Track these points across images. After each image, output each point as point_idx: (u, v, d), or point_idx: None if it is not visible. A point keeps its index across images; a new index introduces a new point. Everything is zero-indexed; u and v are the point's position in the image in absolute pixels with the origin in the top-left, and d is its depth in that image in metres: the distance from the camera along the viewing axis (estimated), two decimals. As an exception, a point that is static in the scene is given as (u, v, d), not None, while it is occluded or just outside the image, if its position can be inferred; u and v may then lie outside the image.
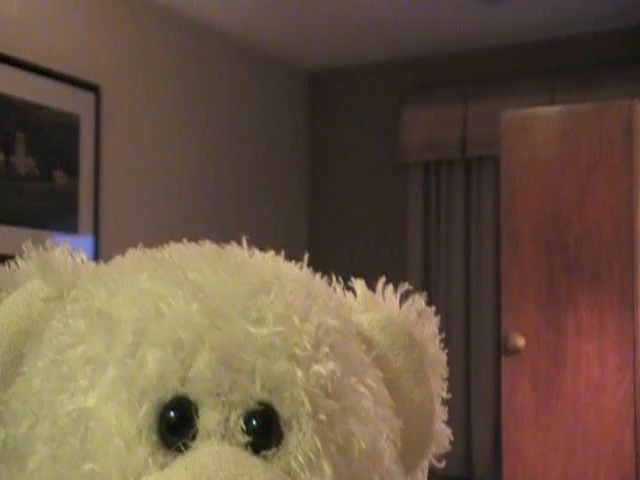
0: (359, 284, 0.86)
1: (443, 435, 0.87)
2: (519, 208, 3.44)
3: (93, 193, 3.48)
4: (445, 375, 0.88)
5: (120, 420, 0.67)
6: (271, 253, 0.82)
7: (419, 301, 0.87)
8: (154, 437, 0.67)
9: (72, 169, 3.40)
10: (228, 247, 0.80)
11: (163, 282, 0.73)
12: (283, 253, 0.83)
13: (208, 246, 0.80)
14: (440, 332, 0.89)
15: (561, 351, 3.35)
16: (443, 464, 0.87)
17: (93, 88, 3.49)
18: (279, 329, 0.70)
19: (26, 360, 0.75)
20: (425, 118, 4.34)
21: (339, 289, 0.84)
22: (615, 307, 3.28)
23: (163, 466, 0.66)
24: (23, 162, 3.20)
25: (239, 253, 0.79)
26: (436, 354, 0.87)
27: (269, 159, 4.51)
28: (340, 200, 4.66)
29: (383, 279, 0.86)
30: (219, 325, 0.69)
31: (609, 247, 3.30)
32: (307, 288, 0.77)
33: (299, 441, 0.68)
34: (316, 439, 0.68)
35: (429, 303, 0.88)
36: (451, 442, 0.88)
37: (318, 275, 0.82)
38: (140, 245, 0.81)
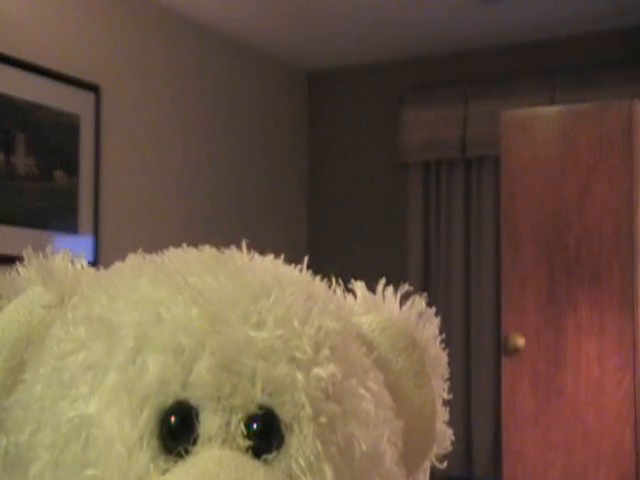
0: (359, 286, 0.86)
1: (445, 436, 0.87)
2: (519, 208, 3.44)
3: (93, 193, 3.48)
4: (446, 376, 0.88)
5: (121, 426, 0.67)
6: (271, 256, 0.82)
7: (419, 302, 0.86)
8: (155, 442, 0.67)
9: (72, 169, 3.40)
10: (228, 251, 0.80)
11: (163, 287, 0.73)
12: (283, 254, 0.83)
13: (208, 251, 0.80)
14: (440, 332, 0.89)
15: (561, 351, 3.35)
16: (445, 465, 0.87)
17: (93, 88, 3.49)
18: (279, 332, 0.70)
19: (27, 367, 0.75)
20: (425, 118, 4.34)
21: (339, 291, 0.84)
22: (615, 307, 3.28)
23: (164, 471, 0.66)
24: (23, 162, 3.20)
25: (239, 257, 0.79)
26: (437, 355, 0.87)
27: (269, 159, 4.51)
28: (340, 200, 4.66)
29: (383, 280, 0.86)
30: (219, 329, 0.70)
31: (609, 247, 3.30)
32: (307, 291, 0.77)
33: (300, 444, 0.68)
34: (317, 442, 0.68)
35: (429, 303, 0.87)
36: (451, 442, 0.88)
37: (318, 277, 0.82)
38: (140, 250, 0.81)
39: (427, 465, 0.87)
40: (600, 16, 3.91)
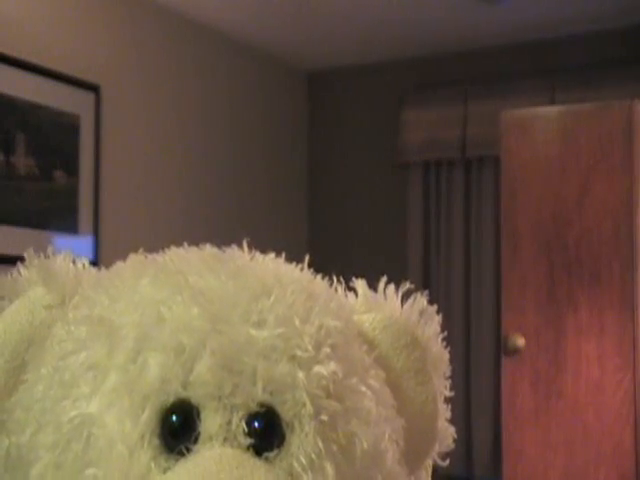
0: (360, 284, 0.86)
1: (446, 433, 0.87)
2: (519, 208, 3.44)
3: (93, 193, 3.48)
4: (448, 374, 0.88)
5: (122, 425, 0.67)
6: (271, 255, 0.82)
7: (421, 300, 0.87)
8: (156, 441, 0.67)
9: (72, 169, 3.39)
10: (228, 250, 0.81)
11: (164, 287, 0.73)
12: (284, 254, 0.83)
13: (208, 250, 0.80)
14: (441, 331, 0.89)
15: (561, 351, 3.35)
16: (447, 462, 0.87)
17: (93, 88, 3.49)
18: (280, 331, 0.70)
19: (29, 368, 0.75)
20: (425, 118, 4.34)
21: (340, 290, 0.84)
22: (615, 307, 3.28)
23: (166, 470, 0.66)
24: (23, 162, 3.20)
25: (239, 256, 0.80)
26: (438, 353, 0.87)
27: (269, 159, 4.51)
28: (340, 200, 4.66)
29: (384, 279, 0.86)
30: (220, 329, 0.70)
31: (609, 247, 3.30)
32: (308, 290, 0.77)
33: (301, 442, 0.68)
34: (318, 440, 0.68)
35: (429, 303, 0.87)
36: (452, 441, 0.88)
37: (319, 276, 0.82)
38: (141, 250, 0.81)
39: (429, 463, 0.87)
40: (600, 16, 3.91)
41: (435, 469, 0.88)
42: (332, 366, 0.71)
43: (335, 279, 0.84)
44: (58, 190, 3.34)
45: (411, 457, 0.81)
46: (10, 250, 2.99)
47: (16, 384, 0.75)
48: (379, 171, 4.56)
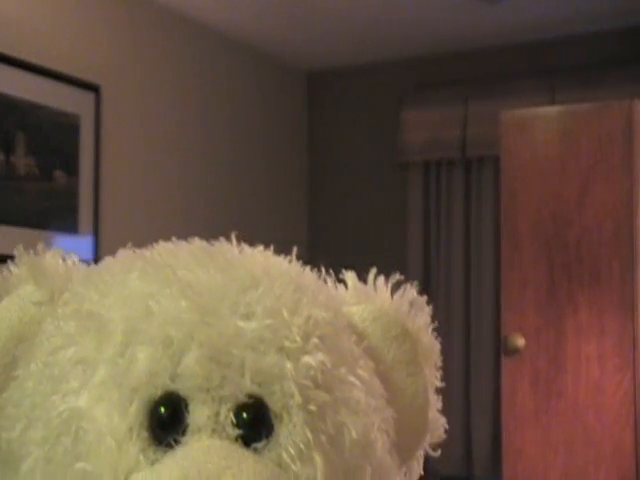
0: (350, 276, 0.86)
1: (438, 424, 0.87)
2: (519, 208, 3.44)
3: (93, 193, 3.48)
4: (439, 364, 0.88)
5: (111, 419, 0.68)
6: (260, 248, 0.82)
7: (411, 291, 0.86)
8: (145, 434, 0.67)
9: (72, 169, 3.39)
10: (217, 244, 0.81)
11: (152, 281, 0.73)
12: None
13: (197, 243, 0.80)
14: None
15: (561, 351, 3.35)
16: (439, 453, 0.87)
17: (93, 88, 3.49)
18: (268, 322, 0.71)
19: (19, 364, 0.75)
20: (425, 118, 4.34)
21: (330, 282, 0.84)
22: (615, 307, 3.28)
23: (154, 462, 0.67)
24: (23, 162, 3.20)
25: (228, 250, 0.80)
26: (429, 343, 0.87)
27: (269, 159, 4.51)
28: (340, 200, 4.66)
29: (374, 270, 0.86)
30: (208, 321, 0.70)
31: (609, 247, 3.30)
32: (296, 281, 0.77)
33: (290, 433, 0.68)
34: (307, 430, 0.68)
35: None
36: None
37: (307, 268, 0.83)
38: (129, 244, 0.82)
39: (421, 454, 0.87)
40: (600, 16, 3.91)
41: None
42: (320, 357, 0.71)
43: (324, 271, 0.84)
44: (58, 190, 3.34)
45: (402, 448, 0.81)
46: (10, 250, 2.98)
47: (7, 380, 0.75)
48: (379, 171, 4.56)
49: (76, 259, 0.83)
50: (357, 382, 0.74)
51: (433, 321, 0.88)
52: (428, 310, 0.87)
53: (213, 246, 0.80)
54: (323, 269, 0.84)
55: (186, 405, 0.68)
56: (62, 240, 3.28)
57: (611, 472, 3.27)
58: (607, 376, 3.28)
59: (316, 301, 0.76)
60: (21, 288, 0.79)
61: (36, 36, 3.30)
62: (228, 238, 0.82)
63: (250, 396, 0.69)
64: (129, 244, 0.82)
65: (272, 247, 0.83)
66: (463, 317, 4.20)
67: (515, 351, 3.39)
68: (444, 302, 4.18)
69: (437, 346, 0.88)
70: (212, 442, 0.67)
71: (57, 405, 0.70)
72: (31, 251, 0.81)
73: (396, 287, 0.86)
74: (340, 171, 4.68)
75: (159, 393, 0.68)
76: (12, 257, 0.83)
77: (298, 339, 0.71)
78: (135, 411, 0.67)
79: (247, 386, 0.68)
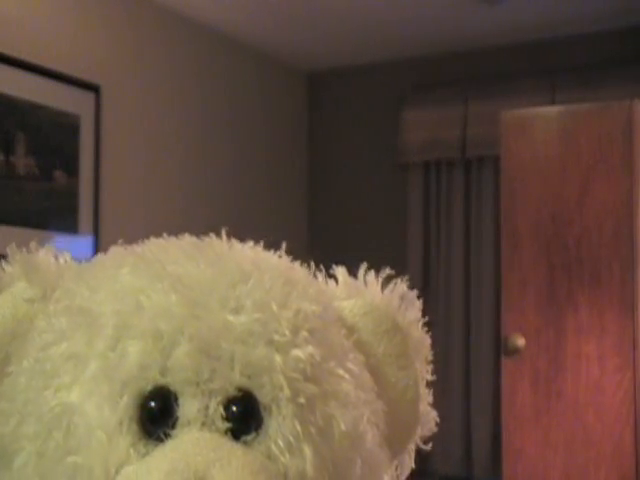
0: (340, 272, 0.86)
1: (429, 417, 0.88)
2: (519, 208, 3.44)
3: (93, 193, 3.48)
4: (430, 358, 0.88)
5: (101, 412, 0.68)
6: (250, 243, 0.83)
7: (401, 286, 0.87)
8: (135, 427, 0.68)
9: (72, 169, 3.39)
10: (207, 239, 0.82)
11: (143, 276, 0.74)
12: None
13: (187, 239, 0.81)
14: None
15: (561, 351, 3.35)
16: (429, 447, 0.87)
17: (93, 88, 3.49)
18: (257, 316, 0.71)
19: (12, 360, 0.76)
20: (425, 118, 4.34)
21: (321, 277, 0.85)
22: (615, 307, 3.28)
23: (144, 455, 0.68)
24: (23, 162, 3.20)
25: (217, 244, 0.81)
26: (420, 337, 0.87)
27: (269, 159, 4.51)
28: (340, 200, 4.66)
29: (364, 265, 0.86)
30: (198, 315, 0.71)
31: (609, 247, 3.30)
32: (286, 276, 0.78)
33: (279, 425, 0.69)
34: (296, 423, 0.69)
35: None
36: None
37: (297, 263, 0.83)
38: (120, 241, 0.83)
39: (412, 447, 0.87)
40: (600, 16, 3.91)
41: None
42: (310, 349, 0.72)
43: (314, 266, 0.85)
44: (58, 190, 3.34)
45: (394, 441, 0.82)
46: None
47: (0, 377, 0.76)
48: (379, 171, 4.56)
49: (68, 257, 0.84)
50: (346, 375, 0.74)
51: (431, 318, 0.88)
52: (418, 304, 0.88)
53: (203, 241, 0.81)
54: (323, 268, 0.85)
55: (176, 399, 0.69)
56: (62, 240, 3.28)
57: (611, 472, 3.27)
58: (607, 376, 3.28)
59: (306, 295, 0.77)
60: (14, 286, 0.80)
61: (36, 36, 3.30)
62: (227, 237, 0.83)
63: (239, 389, 0.69)
64: (120, 241, 0.83)
65: (262, 243, 0.84)
66: (463, 317, 4.19)
67: (515, 351, 3.39)
68: (444, 302, 4.18)
69: (427, 340, 0.88)
70: (202, 435, 0.68)
71: (49, 400, 0.70)
72: (24, 249, 0.82)
73: (387, 282, 0.86)
74: (340, 171, 4.68)
75: (149, 387, 0.69)
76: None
77: (287, 332, 0.72)
78: (125, 405, 0.68)
79: (236, 379, 0.69)
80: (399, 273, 0.87)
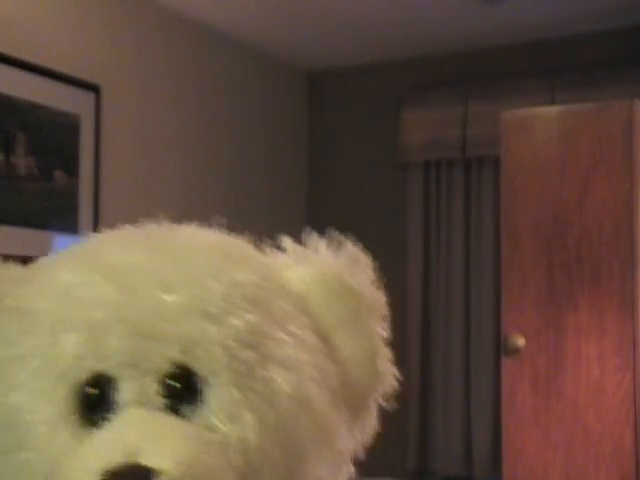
0: (287, 241, 0.87)
1: (388, 374, 0.87)
2: (519, 208, 3.44)
3: (93, 193, 3.48)
4: (385, 315, 0.88)
5: (42, 408, 0.70)
6: (192, 226, 0.87)
7: (351, 249, 0.88)
8: (74, 417, 0.70)
9: (72, 169, 3.39)
10: (146, 226, 0.85)
11: (80, 271, 0.76)
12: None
13: (127, 229, 0.85)
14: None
15: (561, 351, 3.35)
16: (392, 405, 0.87)
17: (93, 88, 3.49)
18: (191, 291, 0.73)
19: None
20: (425, 118, 4.34)
21: (268, 250, 0.86)
22: (615, 307, 3.28)
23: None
24: (23, 162, 3.20)
25: (153, 229, 0.84)
26: (373, 297, 0.87)
27: (269, 159, 4.51)
28: (340, 200, 4.66)
29: (314, 233, 0.87)
30: (133, 300, 0.72)
31: (609, 247, 3.30)
32: (222, 250, 0.80)
33: (217, 395, 0.70)
34: (234, 390, 0.70)
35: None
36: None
37: (238, 238, 0.85)
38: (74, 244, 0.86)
39: (373, 406, 0.87)
40: (600, 16, 3.91)
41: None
42: (246, 317, 0.73)
43: (260, 239, 0.86)
44: (58, 190, 3.34)
45: (352, 399, 0.82)
46: (10, 250, 2.99)
47: None
48: (379, 171, 4.56)
49: (14, 264, 0.85)
50: (288, 338, 0.75)
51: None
52: (370, 264, 0.88)
53: (140, 229, 0.84)
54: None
55: (115, 384, 0.70)
56: (62, 240, 3.28)
57: (611, 472, 3.27)
58: (607, 376, 3.28)
59: (243, 266, 0.78)
60: None
61: (36, 36, 3.30)
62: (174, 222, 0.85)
63: (177, 366, 0.70)
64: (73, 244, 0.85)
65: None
66: (463, 317, 4.19)
67: (515, 351, 3.39)
68: (444, 302, 4.18)
69: (382, 299, 0.88)
70: (139, 412, 0.68)
71: None
72: None
73: (338, 247, 0.87)
74: (340, 171, 4.67)
75: (85, 376, 0.70)
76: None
77: (222, 303, 0.72)
78: (62, 397, 0.70)
79: (171, 355, 0.70)
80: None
